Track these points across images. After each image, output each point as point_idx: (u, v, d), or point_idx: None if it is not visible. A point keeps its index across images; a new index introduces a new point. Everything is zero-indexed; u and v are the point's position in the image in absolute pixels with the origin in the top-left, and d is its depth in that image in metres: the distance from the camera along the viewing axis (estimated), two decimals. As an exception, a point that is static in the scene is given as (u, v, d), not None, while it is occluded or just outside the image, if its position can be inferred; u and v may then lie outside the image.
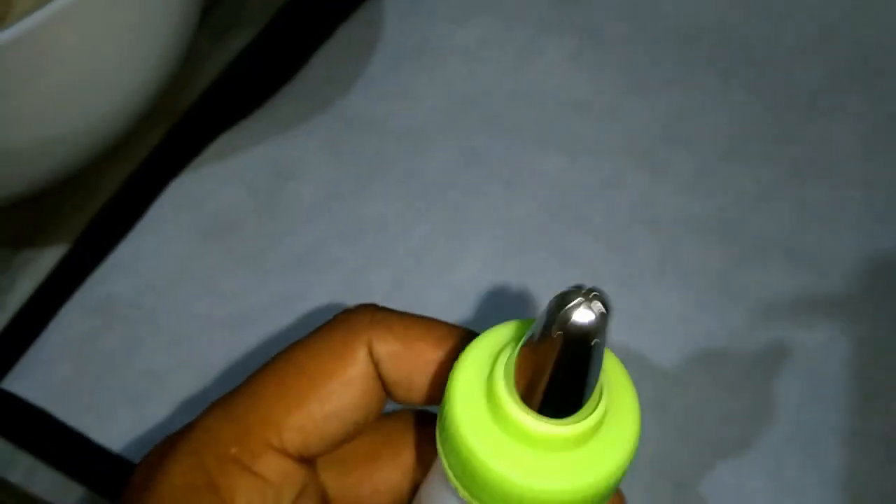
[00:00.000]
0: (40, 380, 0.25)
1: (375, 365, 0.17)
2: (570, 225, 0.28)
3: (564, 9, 0.33)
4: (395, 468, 0.18)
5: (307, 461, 0.17)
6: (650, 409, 0.25)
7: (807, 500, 0.24)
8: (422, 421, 0.19)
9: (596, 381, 0.14)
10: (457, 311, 0.27)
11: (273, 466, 0.16)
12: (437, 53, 0.32)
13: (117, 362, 0.26)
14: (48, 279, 0.28)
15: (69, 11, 0.22)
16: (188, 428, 0.17)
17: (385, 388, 0.17)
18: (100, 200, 0.30)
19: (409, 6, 0.33)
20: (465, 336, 0.17)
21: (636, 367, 0.25)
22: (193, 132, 0.31)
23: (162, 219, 0.28)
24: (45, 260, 0.29)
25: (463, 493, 0.15)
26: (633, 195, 0.29)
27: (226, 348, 0.26)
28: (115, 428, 0.25)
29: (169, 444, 0.17)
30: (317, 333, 0.17)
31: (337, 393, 0.16)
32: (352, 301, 0.27)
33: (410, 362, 0.17)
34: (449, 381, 0.15)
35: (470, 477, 0.15)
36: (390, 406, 0.18)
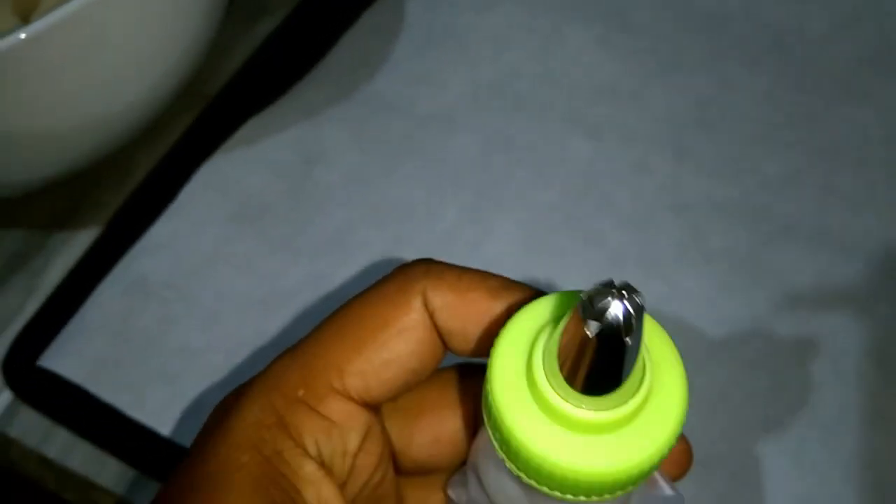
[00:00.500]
0: (76, 357, 0.26)
1: (431, 315, 0.17)
2: (597, 209, 0.28)
3: (590, -6, 0.33)
4: (454, 418, 0.19)
5: (371, 407, 0.18)
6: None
7: (828, 478, 0.24)
8: (483, 375, 0.19)
9: (632, 367, 0.14)
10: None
11: (337, 408, 0.17)
12: (463, 38, 0.32)
13: (152, 340, 0.26)
14: (83, 259, 0.28)
15: (98, 4, 0.22)
16: (259, 374, 0.17)
17: (443, 338, 0.18)
18: (132, 183, 0.30)
19: (435, -9, 0.33)
20: (516, 288, 0.17)
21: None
22: (223, 117, 0.31)
23: (193, 201, 0.29)
24: (80, 241, 0.29)
25: (509, 464, 0.15)
26: (658, 179, 0.29)
27: (258, 327, 0.26)
28: (151, 404, 0.25)
29: (241, 390, 0.17)
30: (374, 286, 0.18)
31: (393, 340, 0.17)
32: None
33: (464, 312, 0.17)
34: (490, 359, 0.15)
35: (514, 454, 0.15)
36: (453, 360, 0.18)
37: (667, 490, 0.17)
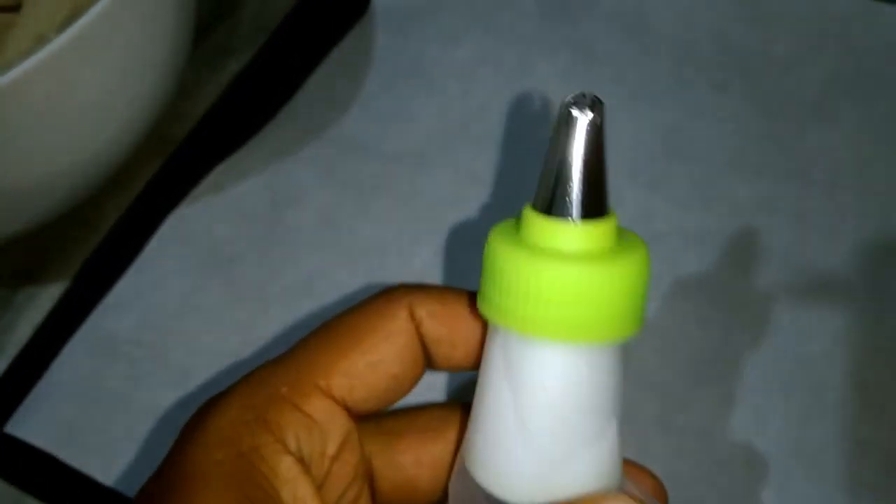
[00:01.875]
0: (44, 422, 0.25)
1: (417, 325, 0.18)
2: (570, 243, 0.28)
3: (555, 25, 0.33)
4: (437, 443, 0.19)
5: (353, 414, 0.18)
6: (654, 427, 0.25)
7: (815, 511, 0.24)
8: (468, 410, 0.19)
9: (604, 190, 0.17)
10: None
11: (320, 407, 0.17)
12: (431, 73, 0.32)
13: (121, 401, 0.26)
14: (49, 317, 0.28)
15: (62, 54, 0.22)
16: (240, 379, 0.18)
17: (428, 352, 0.18)
18: (98, 235, 0.30)
19: (400, 27, 0.33)
20: None
21: (639, 385, 0.25)
22: (188, 164, 0.31)
23: (161, 253, 0.28)
24: (47, 297, 0.29)
25: (510, 320, 0.16)
26: (630, 210, 0.29)
27: (231, 380, 0.26)
28: (121, 468, 0.25)
29: (219, 395, 0.18)
30: (361, 302, 0.19)
31: (379, 345, 0.18)
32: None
33: (450, 320, 0.18)
34: (488, 240, 0.17)
35: (511, 294, 0.16)
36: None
37: None
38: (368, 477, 0.19)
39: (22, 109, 0.22)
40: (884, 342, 0.26)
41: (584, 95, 0.16)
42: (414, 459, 0.19)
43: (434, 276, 0.28)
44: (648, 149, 0.30)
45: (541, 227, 0.16)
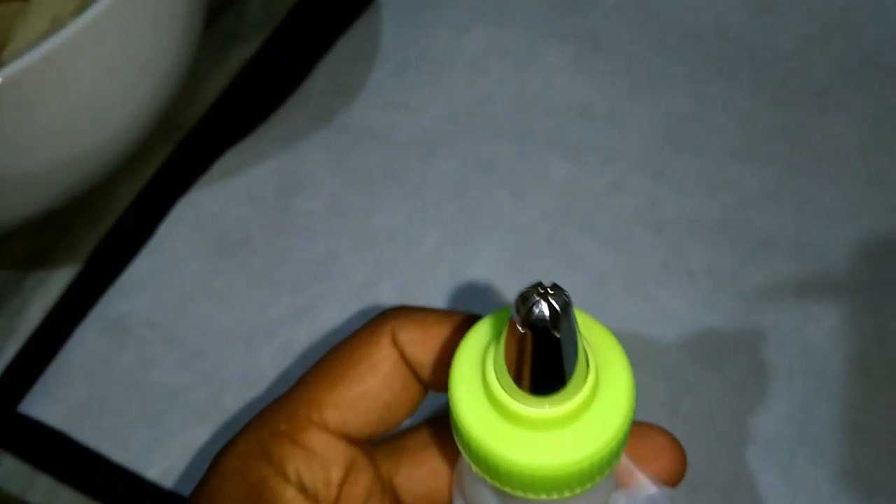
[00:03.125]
0: (57, 402, 0.26)
1: (401, 350, 0.19)
2: (577, 229, 0.28)
3: (563, 15, 0.33)
4: (451, 450, 0.19)
5: (355, 442, 0.19)
6: (660, 411, 0.25)
7: (819, 494, 0.24)
8: None
9: (573, 364, 0.15)
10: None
11: (317, 440, 0.18)
12: (439, 63, 0.32)
13: (134, 381, 0.26)
14: (61, 300, 0.28)
15: (78, 37, 0.22)
16: (252, 418, 0.19)
17: (417, 374, 0.19)
18: (109, 220, 0.30)
19: (408, 16, 0.33)
20: (474, 318, 0.18)
21: (645, 369, 0.26)
22: (199, 150, 0.31)
23: (172, 237, 0.29)
24: (57, 281, 0.29)
25: (475, 468, 0.16)
26: (637, 198, 0.29)
27: (241, 362, 0.26)
28: (134, 446, 0.25)
29: (236, 433, 0.19)
30: (352, 332, 0.20)
31: (366, 375, 0.19)
32: (363, 310, 0.27)
33: (429, 345, 0.19)
34: (450, 374, 0.16)
35: (474, 456, 0.16)
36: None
37: (651, 488, 0.18)
38: (390, 495, 0.20)
39: (37, 93, 0.23)
40: (887, 329, 0.26)
41: (538, 287, 0.15)
42: (430, 470, 0.20)
43: (441, 263, 0.28)
44: (655, 138, 0.30)
45: (505, 403, 0.16)
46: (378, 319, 0.19)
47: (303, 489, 0.18)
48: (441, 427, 0.20)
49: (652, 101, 0.31)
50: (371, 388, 0.19)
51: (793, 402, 0.25)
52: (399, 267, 0.28)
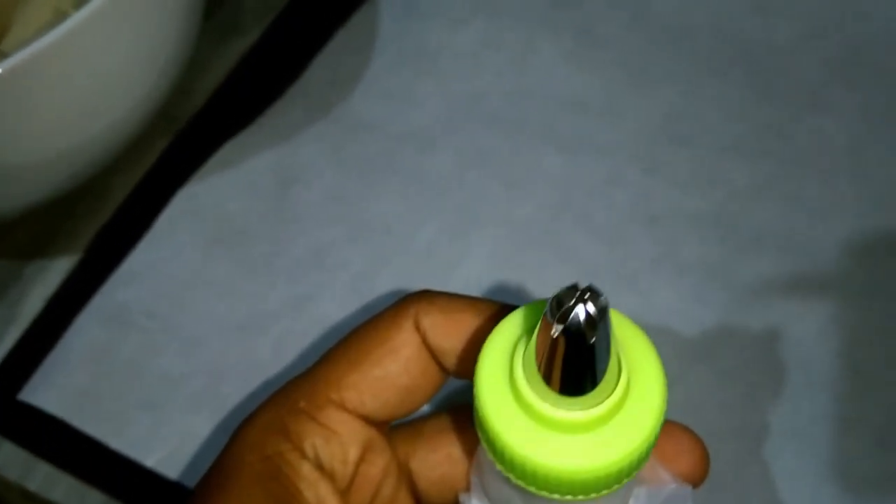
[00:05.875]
0: (57, 389, 0.26)
1: (423, 336, 0.19)
2: (571, 222, 0.29)
3: (559, 9, 0.33)
4: (469, 437, 0.20)
5: (373, 424, 0.19)
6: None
7: (803, 485, 0.24)
8: None
9: (605, 366, 0.15)
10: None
11: (335, 418, 0.19)
12: (436, 55, 0.32)
13: (133, 369, 0.26)
14: (61, 289, 0.28)
15: (80, 29, 0.22)
16: (272, 394, 0.19)
17: (438, 360, 0.19)
18: (108, 211, 0.30)
19: (405, 9, 0.34)
20: (503, 309, 0.18)
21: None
22: (197, 141, 0.31)
23: (171, 227, 0.29)
24: (57, 270, 0.29)
25: (499, 466, 0.16)
26: (631, 192, 0.29)
27: (240, 351, 0.27)
28: (133, 434, 0.25)
29: (256, 408, 0.19)
30: (376, 314, 0.20)
31: (385, 358, 0.19)
32: (360, 300, 0.28)
33: (452, 331, 0.19)
34: (476, 368, 0.16)
35: (500, 456, 0.16)
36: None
37: (672, 485, 0.18)
38: (407, 477, 0.20)
39: (39, 84, 0.23)
40: (875, 323, 0.27)
41: (575, 290, 0.14)
42: (445, 455, 0.20)
43: (437, 254, 0.28)
44: (649, 132, 0.30)
45: (535, 405, 0.15)
46: (402, 303, 0.19)
47: (319, 465, 0.18)
48: (460, 413, 0.20)
49: (646, 95, 0.31)
50: (390, 372, 0.19)
51: (779, 394, 0.26)
52: (395, 257, 0.28)
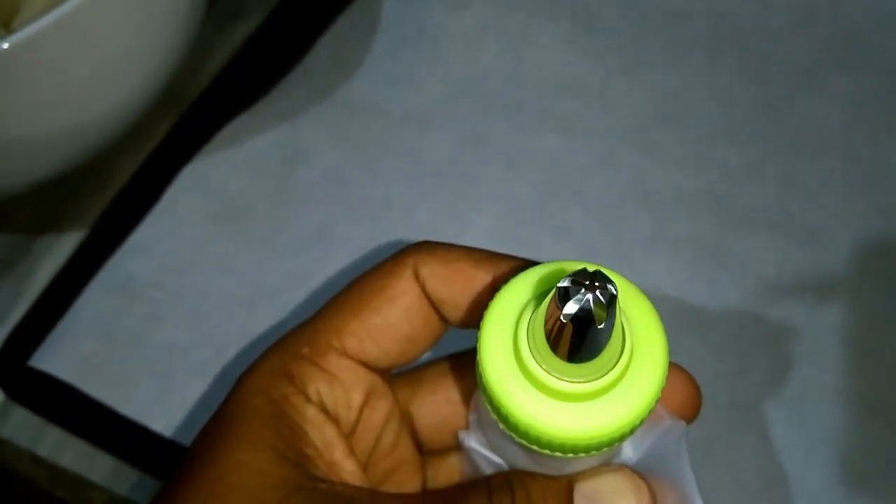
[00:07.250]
0: (66, 357, 0.27)
1: (423, 285, 0.19)
2: (567, 202, 0.29)
3: (557, -6, 0.34)
4: (467, 381, 0.20)
5: (374, 370, 0.19)
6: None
7: (793, 455, 0.25)
8: None
9: (607, 342, 0.15)
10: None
11: (336, 364, 0.19)
12: (436, 39, 0.33)
13: (139, 339, 0.27)
14: (69, 262, 0.29)
15: (79, 12, 0.23)
16: (273, 343, 0.20)
17: (438, 309, 0.19)
18: (115, 187, 0.31)
19: (407, -6, 0.34)
20: (501, 258, 0.19)
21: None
22: (203, 120, 0.32)
23: (177, 203, 0.30)
24: (65, 245, 0.30)
25: (502, 426, 0.17)
26: (625, 173, 0.30)
27: (242, 323, 0.27)
28: (140, 400, 0.26)
29: (257, 358, 0.20)
30: (376, 264, 0.20)
31: (385, 306, 0.19)
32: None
33: (451, 280, 0.19)
34: (479, 331, 0.17)
35: (504, 419, 0.16)
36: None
37: (667, 419, 0.18)
38: (407, 422, 0.20)
39: (47, 60, 0.23)
40: (865, 295, 0.27)
41: (583, 279, 0.14)
42: (444, 399, 0.20)
43: (435, 232, 0.29)
44: (644, 114, 0.31)
45: (538, 375, 0.16)
46: (401, 253, 0.19)
47: (324, 409, 0.18)
48: (458, 359, 0.20)
49: (641, 77, 0.32)
50: (390, 320, 0.19)
51: (770, 365, 0.26)
52: (395, 235, 0.29)
